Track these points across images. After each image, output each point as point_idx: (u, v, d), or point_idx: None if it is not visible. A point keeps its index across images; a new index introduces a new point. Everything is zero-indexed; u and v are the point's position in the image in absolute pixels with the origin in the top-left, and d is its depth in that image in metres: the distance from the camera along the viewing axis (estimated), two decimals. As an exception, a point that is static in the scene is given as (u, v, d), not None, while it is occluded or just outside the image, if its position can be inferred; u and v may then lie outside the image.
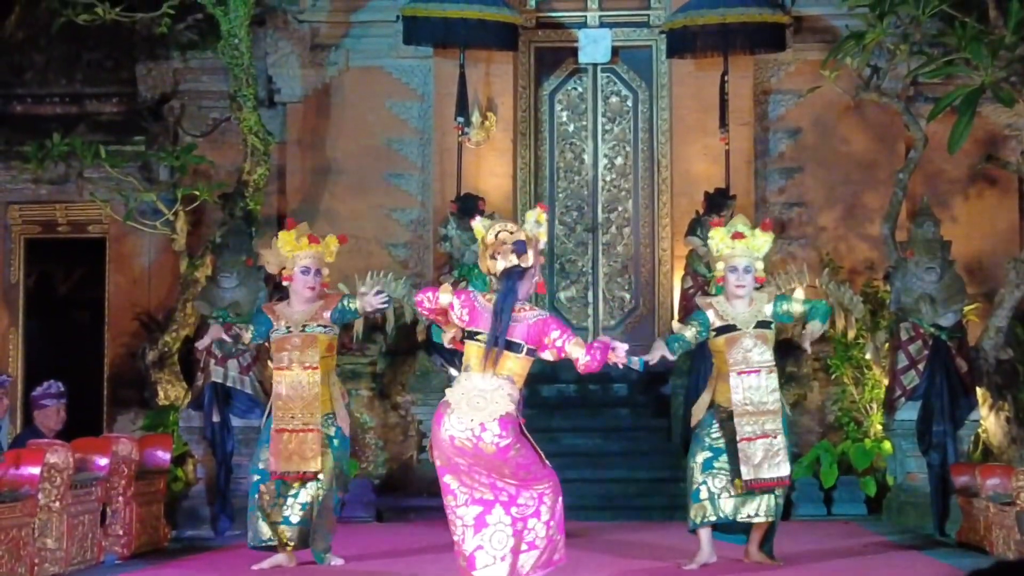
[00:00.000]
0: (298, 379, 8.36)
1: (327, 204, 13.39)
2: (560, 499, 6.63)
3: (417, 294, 6.85)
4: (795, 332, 8.61)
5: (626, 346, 6.61)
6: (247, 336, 8.59)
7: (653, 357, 8.05)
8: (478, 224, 6.78)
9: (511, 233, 6.60)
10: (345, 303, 8.45)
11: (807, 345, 8.53)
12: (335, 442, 8.46)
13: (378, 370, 12.30)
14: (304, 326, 8.43)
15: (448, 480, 6.53)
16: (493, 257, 6.59)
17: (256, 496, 8.43)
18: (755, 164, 13.20)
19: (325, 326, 8.47)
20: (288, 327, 8.44)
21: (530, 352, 6.55)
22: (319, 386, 8.39)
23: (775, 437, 8.16)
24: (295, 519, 8.35)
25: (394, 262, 13.13)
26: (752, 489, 8.17)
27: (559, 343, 6.53)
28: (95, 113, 13.93)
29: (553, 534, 6.57)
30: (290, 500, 8.36)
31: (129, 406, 12.88)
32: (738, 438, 8.17)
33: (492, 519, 6.48)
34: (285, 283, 8.70)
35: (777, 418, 8.20)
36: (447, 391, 6.57)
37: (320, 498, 8.36)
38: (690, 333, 8.35)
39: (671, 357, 8.31)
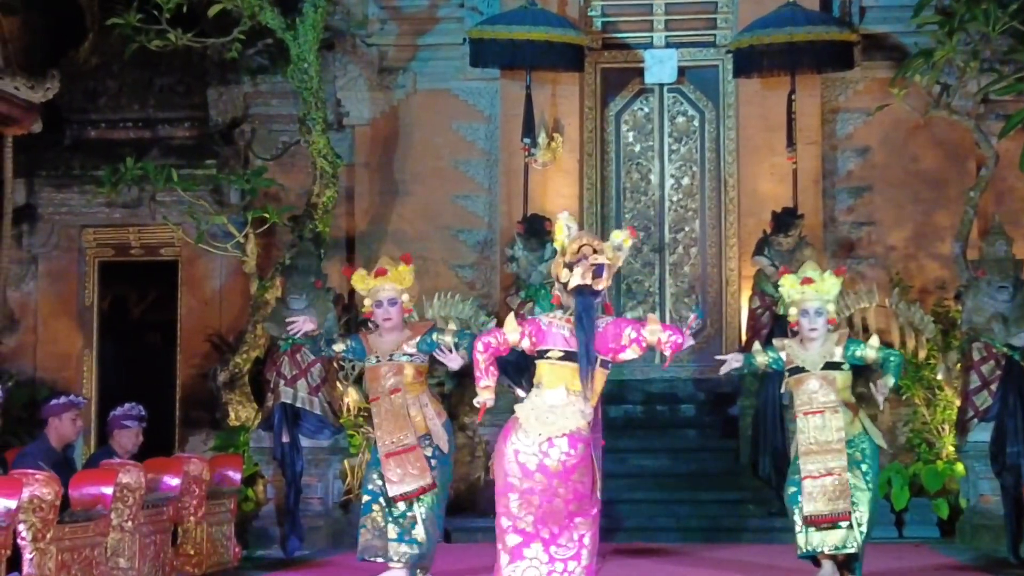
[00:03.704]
0: (387, 404, 8.44)
1: (395, 225, 13.49)
2: (597, 530, 6.51)
3: (482, 337, 6.69)
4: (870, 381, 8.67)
5: (694, 315, 6.69)
6: (340, 346, 8.68)
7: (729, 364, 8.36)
8: (563, 221, 6.56)
9: (595, 251, 6.45)
10: (431, 336, 8.47)
11: (880, 399, 8.44)
12: (433, 463, 8.47)
13: (445, 391, 12.31)
14: (391, 355, 8.51)
15: (503, 501, 6.43)
16: (569, 267, 6.45)
17: (369, 513, 8.48)
18: (823, 183, 13.12)
19: (411, 354, 8.52)
20: (377, 357, 8.53)
21: (604, 364, 6.43)
22: (406, 407, 8.44)
23: (840, 475, 8.16)
24: (406, 536, 8.40)
25: (461, 283, 13.19)
26: (815, 523, 8.14)
27: (634, 335, 6.40)
28: (167, 137, 14.16)
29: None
30: (401, 519, 8.40)
31: (200, 427, 13.02)
32: (802, 475, 8.21)
33: (529, 553, 6.38)
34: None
35: (841, 456, 8.20)
36: (516, 407, 6.49)
37: (426, 517, 8.39)
38: (761, 360, 8.54)
39: (737, 365, 8.45)
